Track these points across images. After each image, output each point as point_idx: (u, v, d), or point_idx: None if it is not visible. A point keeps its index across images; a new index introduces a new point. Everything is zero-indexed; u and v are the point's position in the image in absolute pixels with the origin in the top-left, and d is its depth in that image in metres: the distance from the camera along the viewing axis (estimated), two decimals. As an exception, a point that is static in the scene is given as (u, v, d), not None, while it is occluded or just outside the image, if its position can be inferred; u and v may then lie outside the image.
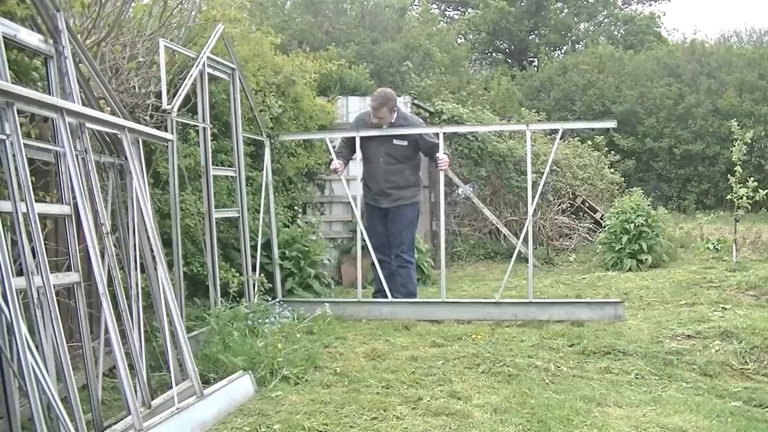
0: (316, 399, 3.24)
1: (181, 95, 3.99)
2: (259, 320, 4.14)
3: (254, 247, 5.10)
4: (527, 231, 5.20)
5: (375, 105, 5.41)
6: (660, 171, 16.70)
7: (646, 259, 7.56)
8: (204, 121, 4.34)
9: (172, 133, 3.86)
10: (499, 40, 24.30)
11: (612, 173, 12.05)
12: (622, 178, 12.71)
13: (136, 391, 2.79)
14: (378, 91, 5.56)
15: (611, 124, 5.76)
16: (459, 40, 20.46)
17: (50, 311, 2.39)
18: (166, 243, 4.12)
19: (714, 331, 4.42)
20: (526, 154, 5.36)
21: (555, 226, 9.86)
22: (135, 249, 3.12)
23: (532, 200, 5.16)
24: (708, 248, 8.16)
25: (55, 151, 2.72)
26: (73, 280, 2.68)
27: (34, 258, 2.38)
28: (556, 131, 5.48)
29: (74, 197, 2.68)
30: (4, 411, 2.35)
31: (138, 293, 3.03)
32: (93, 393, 2.66)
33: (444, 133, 5.43)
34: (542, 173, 5.56)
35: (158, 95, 4.08)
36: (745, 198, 7.45)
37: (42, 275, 2.36)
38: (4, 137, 2.32)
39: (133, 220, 3.11)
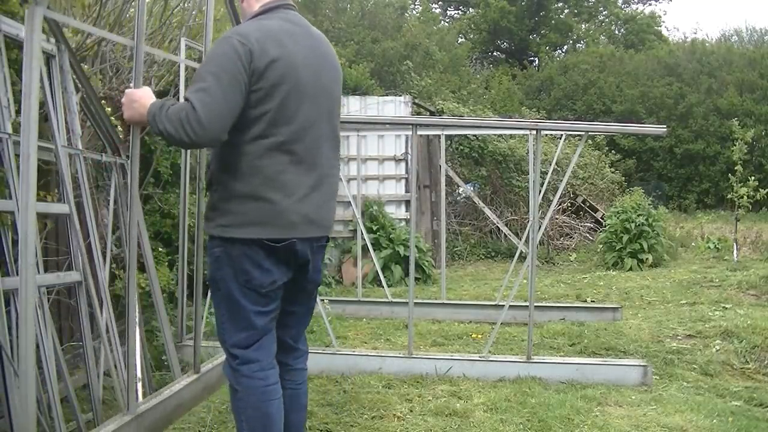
0: (317, 398, 3.24)
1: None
2: (260, 319, 4.13)
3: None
4: (529, 232, 5.16)
5: None
6: (660, 170, 16.69)
7: (647, 259, 7.56)
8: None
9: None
10: (500, 39, 24.29)
11: (612, 172, 12.05)
12: (623, 178, 12.71)
13: (137, 390, 2.79)
14: None
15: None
16: (459, 40, 20.44)
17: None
18: (166, 242, 4.11)
19: (715, 330, 4.42)
20: (527, 153, 5.33)
21: (555, 225, 9.86)
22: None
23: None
24: (709, 247, 8.17)
25: (55, 150, 2.72)
26: (74, 279, 2.68)
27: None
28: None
29: (78, 196, 2.67)
30: (5, 410, 2.34)
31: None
32: (94, 392, 2.66)
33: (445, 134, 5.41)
34: (544, 173, 5.52)
35: (158, 94, 4.05)
36: (745, 197, 7.47)
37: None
38: (5, 136, 2.32)
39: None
